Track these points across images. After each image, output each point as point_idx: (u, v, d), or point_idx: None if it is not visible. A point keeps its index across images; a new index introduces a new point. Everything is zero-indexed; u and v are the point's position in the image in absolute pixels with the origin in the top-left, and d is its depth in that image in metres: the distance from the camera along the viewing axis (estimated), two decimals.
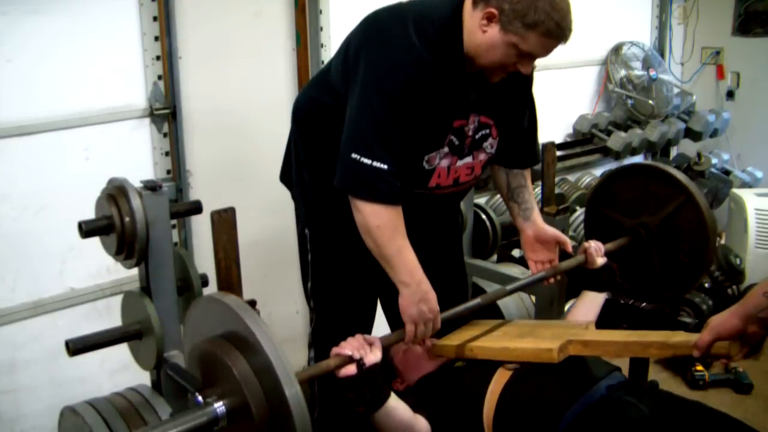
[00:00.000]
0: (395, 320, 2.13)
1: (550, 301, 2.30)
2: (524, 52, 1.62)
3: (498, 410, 1.59)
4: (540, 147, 2.20)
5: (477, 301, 1.84)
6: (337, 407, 2.03)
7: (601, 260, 2.02)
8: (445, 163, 1.77)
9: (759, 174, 4.37)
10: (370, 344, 1.56)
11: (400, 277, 1.66)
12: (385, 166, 1.59)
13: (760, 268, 3.51)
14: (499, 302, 2.81)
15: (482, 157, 1.85)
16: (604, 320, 2.02)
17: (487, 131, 1.82)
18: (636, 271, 2.26)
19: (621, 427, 1.47)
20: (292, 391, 1.18)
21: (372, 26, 1.70)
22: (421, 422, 1.63)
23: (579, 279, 2.07)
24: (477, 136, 1.80)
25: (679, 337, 1.57)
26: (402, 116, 1.62)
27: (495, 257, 3.17)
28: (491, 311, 2.80)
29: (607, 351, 1.71)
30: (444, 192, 1.83)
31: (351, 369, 1.50)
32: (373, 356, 1.53)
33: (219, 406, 1.26)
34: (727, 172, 4.31)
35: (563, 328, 1.85)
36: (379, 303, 2.10)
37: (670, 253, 2.19)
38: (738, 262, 3.46)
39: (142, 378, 1.82)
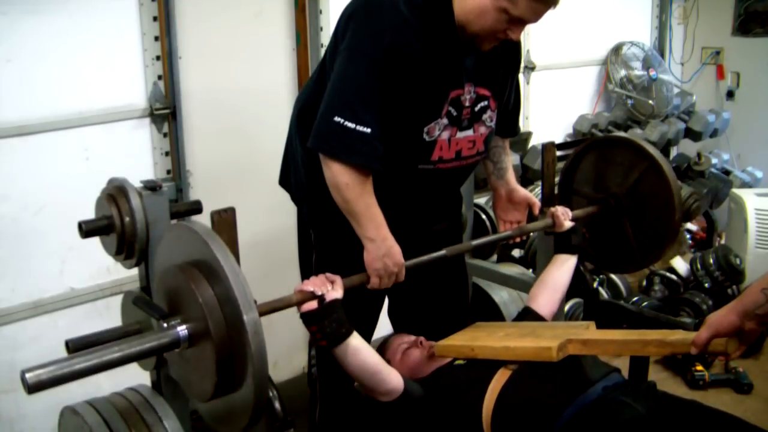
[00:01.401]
0: (398, 321, 2.14)
1: None
2: (514, 17, 1.62)
3: (496, 410, 1.59)
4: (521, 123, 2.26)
5: (442, 252, 1.88)
6: (339, 406, 2.03)
7: (568, 223, 2.09)
8: (445, 135, 1.78)
9: (759, 174, 4.37)
10: (332, 282, 1.62)
11: (366, 232, 1.69)
12: (369, 130, 1.61)
13: (760, 268, 3.51)
14: (499, 302, 2.82)
15: (483, 130, 1.86)
16: (604, 322, 2.02)
17: (486, 103, 1.83)
18: (612, 243, 2.31)
19: (616, 427, 1.47)
20: (250, 317, 1.22)
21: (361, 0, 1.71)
22: (392, 375, 1.66)
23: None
24: (476, 108, 1.81)
25: (678, 335, 1.58)
26: (388, 81, 1.62)
27: (495, 257, 3.17)
28: (491, 311, 2.80)
29: (606, 350, 1.72)
30: (448, 167, 1.83)
31: (312, 304, 1.57)
32: (335, 293, 1.60)
33: (182, 329, 1.32)
34: (727, 172, 4.31)
35: (564, 328, 1.86)
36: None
37: (641, 220, 2.23)
38: (738, 262, 3.46)
39: (142, 378, 1.82)
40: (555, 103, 3.93)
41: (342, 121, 1.60)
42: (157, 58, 2.47)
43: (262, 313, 1.32)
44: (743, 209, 3.75)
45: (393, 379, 1.66)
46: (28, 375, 1.18)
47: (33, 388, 1.18)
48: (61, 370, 1.20)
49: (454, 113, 1.77)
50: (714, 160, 4.28)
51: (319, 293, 1.58)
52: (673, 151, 4.54)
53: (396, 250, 1.72)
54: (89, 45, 2.33)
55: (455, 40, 1.69)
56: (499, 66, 1.83)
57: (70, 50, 2.30)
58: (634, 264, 2.38)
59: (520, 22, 1.65)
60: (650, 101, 4.05)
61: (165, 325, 1.33)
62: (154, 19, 2.44)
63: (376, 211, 1.70)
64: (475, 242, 2.03)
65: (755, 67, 4.36)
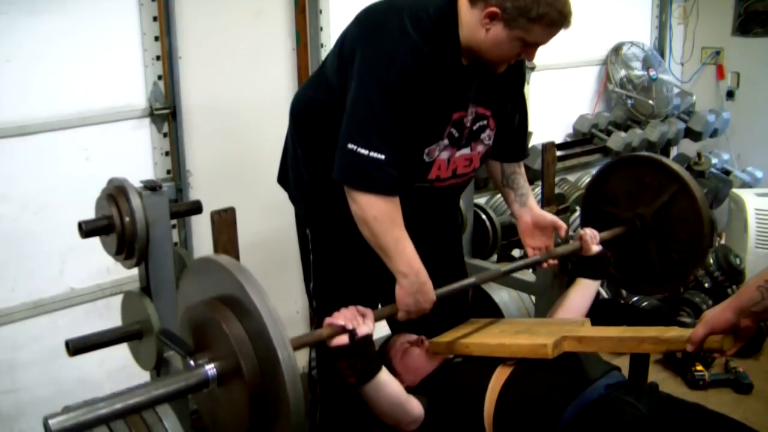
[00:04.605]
0: (396, 321, 2.14)
1: (550, 301, 2.30)
2: (530, 43, 1.65)
3: (498, 408, 1.59)
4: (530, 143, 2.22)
5: (472, 280, 1.87)
6: (339, 409, 2.03)
7: (596, 248, 2.06)
8: (445, 155, 1.78)
9: (759, 174, 4.37)
10: (363, 315, 1.58)
11: (399, 267, 1.67)
12: (383, 156, 1.60)
13: (759, 268, 3.45)
14: (499, 302, 2.81)
15: (480, 148, 1.86)
16: (603, 319, 2.02)
17: (485, 122, 1.83)
18: (634, 263, 2.28)
19: (618, 427, 1.47)
20: (285, 355, 1.18)
21: (367, 20, 1.71)
22: (414, 404, 1.65)
23: (574, 266, 2.12)
24: (474, 127, 1.81)
25: (674, 332, 1.58)
26: (399, 106, 1.62)
27: (495, 257, 3.17)
28: (491, 311, 2.80)
29: (602, 347, 1.72)
30: (443, 185, 1.84)
31: (343, 339, 1.53)
32: (366, 327, 1.56)
33: (210, 368, 1.27)
34: (727, 172, 4.31)
35: (559, 325, 1.86)
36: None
37: (667, 243, 2.20)
38: (738, 262, 3.46)
39: (142, 378, 1.82)
40: (555, 103, 3.93)
41: (355, 148, 1.60)
42: (157, 58, 2.47)
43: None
44: (743, 209, 3.75)
45: (417, 407, 1.65)
46: (51, 422, 1.12)
47: None
48: (85, 416, 1.15)
49: (456, 134, 1.77)
50: (714, 160, 4.28)
51: (350, 327, 1.53)
52: (673, 151, 4.54)
53: (429, 286, 1.70)
54: (89, 45, 2.33)
55: (460, 64, 1.70)
56: (501, 85, 1.83)
57: (70, 50, 2.30)
58: (656, 287, 2.36)
59: (535, 46, 1.67)
60: (650, 101, 4.05)
61: (192, 363, 1.28)
62: (154, 19, 2.44)
63: (407, 245, 1.67)
64: (504, 268, 2.00)
65: (755, 67, 4.35)
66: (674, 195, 2.17)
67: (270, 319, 1.19)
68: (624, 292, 3.42)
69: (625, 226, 2.24)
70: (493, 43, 1.64)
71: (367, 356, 1.55)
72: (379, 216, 1.63)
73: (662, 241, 2.21)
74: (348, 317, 1.56)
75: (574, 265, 2.11)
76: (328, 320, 1.57)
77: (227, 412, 1.30)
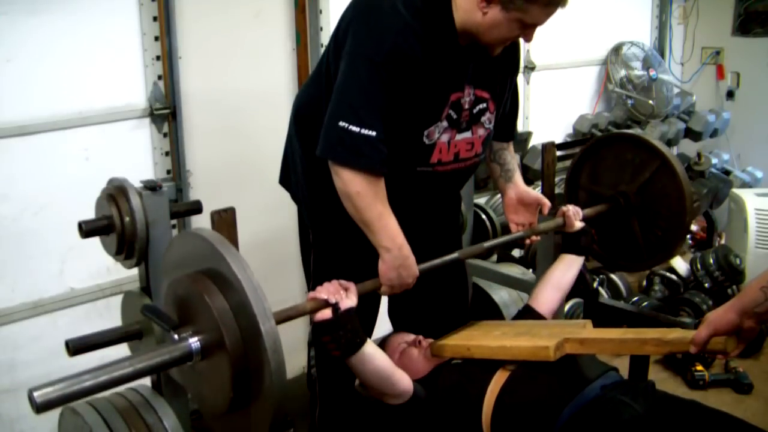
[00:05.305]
0: (398, 320, 2.14)
1: None
2: (528, 24, 1.65)
3: (495, 411, 1.59)
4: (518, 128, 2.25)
5: (455, 255, 1.87)
6: (339, 407, 2.03)
7: (579, 224, 2.08)
8: (445, 137, 1.78)
9: (759, 174, 4.37)
10: (346, 289, 1.58)
11: (382, 241, 1.67)
12: (374, 133, 1.60)
13: (760, 268, 3.45)
14: (499, 302, 2.82)
15: (481, 132, 1.86)
16: (602, 322, 2.02)
17: (484, 105, 1.83)
18: (618, 241, 2.31)
19: (615, 427, 1.47)
20: (267, 327, 1.19)
21: (361, 2, 1.71)
22: (401, 377, 1.65)
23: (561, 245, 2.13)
24: (474, 110, 1.81)
25: (676, 333, 1.58)
26: (390, 85, 1.62)
27: (495, 257, 3.18)
28: (491, 311, 2.80)
29: (604, 349, 1.71)
30: (446, 169, 1.83)
31: (326, 313, 1.53)
32: (349, 301, 1.56)
33: (194, 341, 1.28)
34: (727, 172, 4.31)
35: (560, 327, 1.85)
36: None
37: (650, 219, 2.23)
38: (738, 262, 3.46)
39: (142, 378, 1.82)
40: (555, 103, 3.93)
41: (346, 125, 1.59)
42: (157, 58, 2.47)
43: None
44: (743, 209, 3.75)
45: (404, 381, 1.65)
46: (36, 394, 1.13)
47: (42, 407, 1.13)
48: (70, 388, 1.16)
49: (454, 116, 1.77)
50: (714, 160, 4.29)
51: (333, 301, 1.53)
52: (674, 151, 4.55)
53: (411, 260, 1.71)
54: (89, 45, 2.33)
55: (455, 44, 1.70)
56: (498, 68, 1.83)
57: (70, 50, 2.30)
58: (641, 263, 2.37)
59: (533, 27, 1.67)
60: (650, 101, 4.05)
61: (176, 336, 1.28)
62: (154, 19, 2.44)
63: (389, 220, 1.68)
64: (487, 244, 2.01)
65: (755, 67, 4.36)
66: (656, 171, 2.18)
67: (252, 291, 1.20)
68: (624, 293, 3.42)
69: (608, 203, 2.26)
70: (491, 26, 1.64)
71: (351, 330, 1.54)
72: (362, 191, 1.63)
73: (645, 217, 2.23)
74: (331, 291, 1.55)
75: (561, 245, 2.13)
76: (311, 294, 1.57)
77: (211, 384, 1.31)
